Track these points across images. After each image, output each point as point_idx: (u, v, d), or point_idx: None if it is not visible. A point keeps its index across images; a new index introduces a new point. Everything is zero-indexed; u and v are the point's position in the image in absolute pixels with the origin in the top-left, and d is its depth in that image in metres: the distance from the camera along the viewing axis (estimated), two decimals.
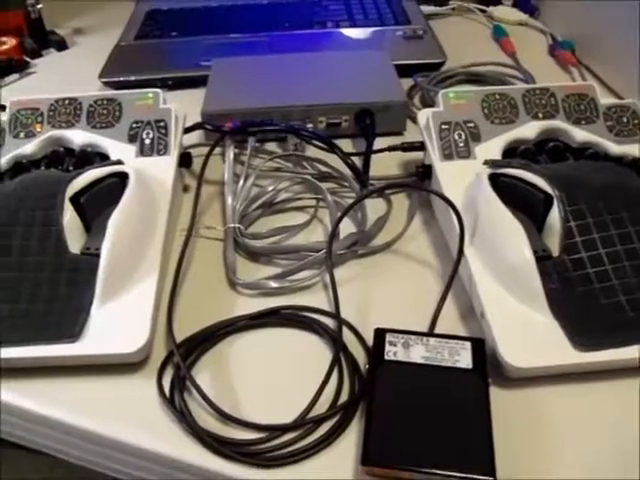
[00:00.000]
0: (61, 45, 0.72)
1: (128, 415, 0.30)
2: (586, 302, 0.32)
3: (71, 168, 0.42)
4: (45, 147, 0.43)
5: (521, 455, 0.28)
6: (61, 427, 0.31)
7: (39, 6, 0.71)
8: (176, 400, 0.31)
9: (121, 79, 0.60)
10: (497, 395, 0.30)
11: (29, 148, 0.42)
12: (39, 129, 0.43)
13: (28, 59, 0.69)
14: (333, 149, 0.44)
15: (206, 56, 0.61)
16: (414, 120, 0.53)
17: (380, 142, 0.47)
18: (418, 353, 0.30)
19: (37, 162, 0.43)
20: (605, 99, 0.43)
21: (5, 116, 0.44)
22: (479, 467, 0.26)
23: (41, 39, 0.71)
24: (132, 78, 0.59)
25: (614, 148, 0.41)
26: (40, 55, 0.70)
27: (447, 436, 0.27)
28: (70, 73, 0.65)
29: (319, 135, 0.45)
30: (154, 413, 0.30)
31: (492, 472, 0.25)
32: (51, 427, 0.31)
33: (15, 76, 0.66)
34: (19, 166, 0.42)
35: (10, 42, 0.69)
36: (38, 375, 0.32)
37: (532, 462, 0.28)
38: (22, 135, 0.43)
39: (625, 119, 0.42)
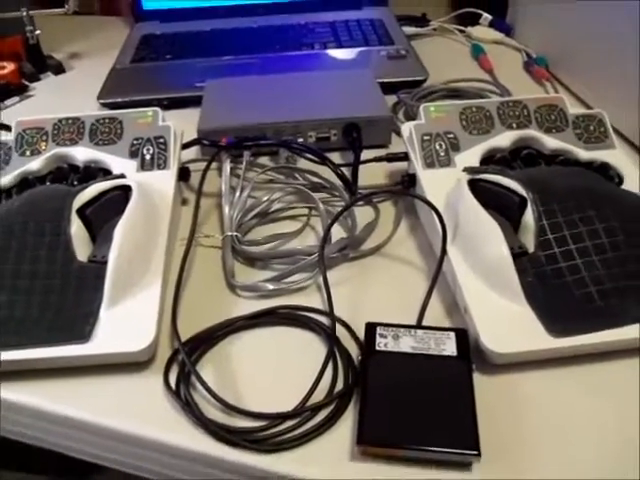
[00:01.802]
0: (58, 69, 0.75)
1: (138, 410, 0.32)
2: (559, 293, 0.35)
3: (76, 183, 0.44)
4: (50, 164, 0.45)
5: (503, 435, 0.30)
6: (74, 424, 0.32)
7: (37, 32, 0.74)
8: (182, 394, 0.33)
9: (118, 100, 0.62)
10: (480, 381, 0.32)
11: (35, 165, 0.45)
12: (44, 147, 0.46)
13: (27, 83, 0.71)
14: (324, 161, 0.47)
15: (200, 77, 0.64)
16: (399, 134, 0.56)
17: (367, 154, 0.50)
18: (407, 344, 0.33)
19: (42, 178, 0.45)
20: (574, 109, 0.47)
21: (10, 136, 0.46)
22: (465, 443, 0.28)
23: (39, 64, 0.74)
24: (129, 99, 0.62)
25: (583, 154, 0.44)
26: (38, 79, 0.73)
27: (435, 416, 0.29)
28: (68, 95, 0.68)
29: (311, 148, 0.48)
30: (162, 407, 0.32)
31: (476, 447, 0.28)
32: (62, 425, 0.33)
33: (15, 99, 0.68)
34: (25, 182, 0.44)
35: (9, 67, 0.72)
36: (50, 376, 0.34)
37: (513, 441, 0.30)
38: (28, 153, 0.45)
39: (592, 127, 0.46)
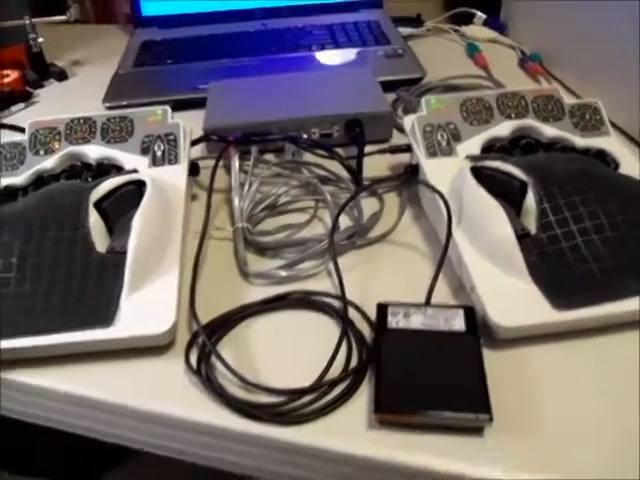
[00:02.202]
0: (61, 76, 0.77)
1: (161, 390, 0.33)
2: (562, 270, 0.36)
3: (89, 179, 0.45)
4: (64, 162, 0.47)
5: (510, 405, 0.31)
6: (99, 406, 0.34)
7: (40, 40, 0.76)
8: (203, 373, 0.34)
9: (124, 103, 0.64)
10: (487, 357, 0.33)
11: (49, 163, 0.46)
12: (57, 146, 0.47)
13: (31, 90, 0.73)
14: (332, 153, 0.48)
15: (202, 80, 0.66)
16: (399, 129, 0.58)
17: (368, 149, 0.52)
18: (417, 321, 0.34)
19: (57, 176, 0.46)
20: (570, 100, 0.49)
21: (24, 136, 0.48)
22: (477, 407, 0.29)
23: (42, 71, 0.76)
24: (134, 102, 0.64)
25: (580, 142, 0.46)
26: (42, 86, 0.75)
27: (447, 385, 0.30)
28: (73, 100, 0.70)
29: (318, 142, 0.49)
30: (185, 387, 0.34)
31: (489, 410, 0.29)
32: (88, 407, 0.34)
33: (21, 105, 0.70)
34: (41, 180, 0.45)
35: (13, 74, 0.74)
36: (72, 362, 0.35)
37: (520, 411, 0.31)
38: (42, 152, 0.47)
39: (588, 116, 0.48)
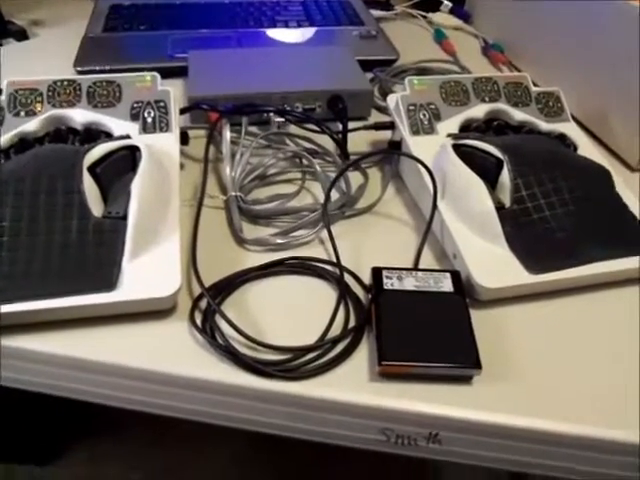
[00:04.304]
0: (21, 35, 0.73)
1: (168, 352, 0.34)
2: (533, 239, 0.40)
3: (77, 144, 0.45)
4: (47, 125, 0.45)
5: (495, 357, 0.35)
6: (105, 370, 0.34)
7: None
8: (208, 333, 0.35)
9: (97, 68, 0.62)
10: (471, 315, 0.37)
11: (32, 126, 0.45)
12: (40, 108, 0.46)
13: None
14: (321, 127, 0.50)
15: (178, 48, 0.66)
16: (375, 107, 0.60)
17: (352, 125, 0.54)
18: (410, 283, 0.37)
19: (40, 139, 0.45)
20: (535, 87, 0.53)
21: (1, 96, 0.46)
22: (468, 359, 0.33)
23: None
24: (108, 67, 0.62)
25: (544, 126, 0.51)
26: None
27: (441, 339, 0.34)
28: (37, 62, 0.67)
29: (308, 116, 0.51)
30: (191, 348, 0.35)
31: (478, 361, 0.33)
32: (93, 372, 0.34)
33: None
34: (24, 142, 0.44)
35: None
36: (78, 326, 0.35)
37: (502, 362, 0.35)
38: (22, 114, 0.45)
39: (551, 103, 0.52)
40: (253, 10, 0.77)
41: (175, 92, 0.48)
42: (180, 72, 0.61)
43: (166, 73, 0.61)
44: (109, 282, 0.35)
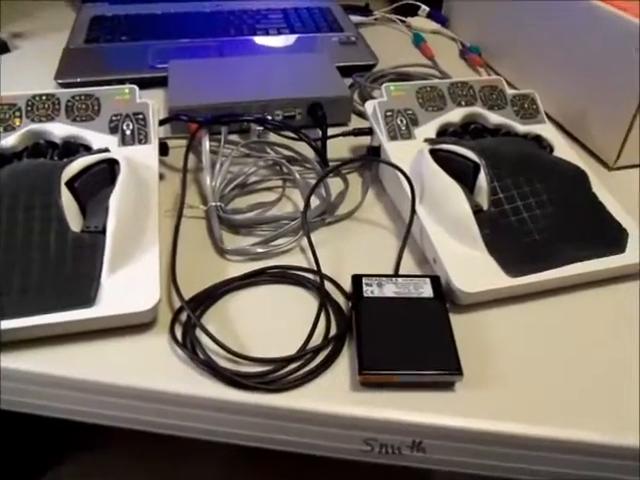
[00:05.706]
0: (2, 48, 0.72)
1: (148, 367, 0.34)
2: (512, 242, 0.41)
3: (56, 158, 0.45)
4: (25, 140, 0.45)
5: (476, 362, 0.36)
6: (87, 387, 0.34)
7: None
8: (189, 347, 0.35)
9: (78, 80, 0.62)
10: (451, 319, 0.37)
11: (10, 141, 0.44)
12: (18, 123, 0.45)
13: None
14: (299, 135, 0.50)
15: (159, 59, 0.66)
16: (356, 113, 0.61)
17: (331, 131, 0.54)
18: (390, 289, 0.38)
19: (19, 154, 0.45)
20: (511, 90, 0.54)
21: None
22: (450, 366, 0.33)
23: None
24: (89, 79, 0.62)
25: (520, 128, 0.51)
26: None
27: (421, 346, 0.34)
28: (19, 75, 0.67)
29: (287, 124, 0.51)
30: (171, 362, 0.35)
31: (459, 367, 0.33)
32: (73, 389, 0.34)
33: None
34: (2, 158, 0.44)
35: None
36: (56, 343, 0.35)
37: (484, 367, 0.36)
38: (1, 129, 0.45)
39: (526, 105, 0.53)
40: (234, 19, 0.77)
41: (156, 102, 0.48)
42: (161, 82, 0.61)
43: (147, 83, 0.62)
44: (87, 297, 0.35)
